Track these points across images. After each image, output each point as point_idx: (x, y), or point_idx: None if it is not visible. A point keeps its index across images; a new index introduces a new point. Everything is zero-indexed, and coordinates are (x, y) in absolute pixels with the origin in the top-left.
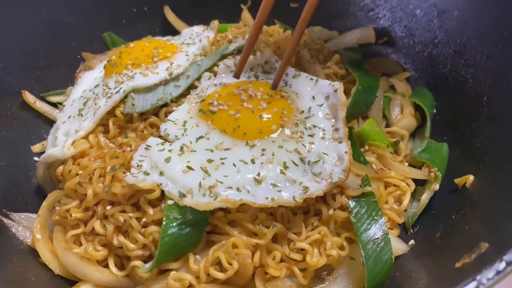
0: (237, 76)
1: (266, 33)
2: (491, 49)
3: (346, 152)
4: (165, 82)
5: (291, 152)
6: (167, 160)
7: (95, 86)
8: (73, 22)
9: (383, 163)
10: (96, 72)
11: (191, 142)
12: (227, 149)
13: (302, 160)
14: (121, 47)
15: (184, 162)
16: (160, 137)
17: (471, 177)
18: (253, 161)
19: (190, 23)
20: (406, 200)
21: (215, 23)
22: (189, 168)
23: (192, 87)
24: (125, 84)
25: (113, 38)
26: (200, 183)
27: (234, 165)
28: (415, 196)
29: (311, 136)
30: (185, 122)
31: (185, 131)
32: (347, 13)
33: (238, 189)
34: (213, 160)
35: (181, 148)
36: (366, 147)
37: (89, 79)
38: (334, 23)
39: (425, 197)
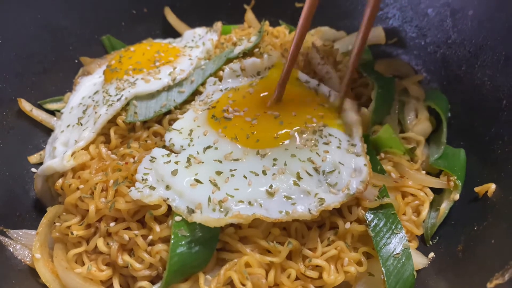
0: (279, 100)
1: (272, 34)
2: (510, 50)
3: (365, 164)
4: (168, 88)
5: (305, 161)
6: (174, 173)
7: (95, 93)
8: (70, 25)
9: (399, 171)
10: (95, 77)
11: (198, 153)
12: (236, 160)
13: (316, 170)
14: (121, 51)
15: (191, 174)
16: (164, 147)
17: (492, 186)
18: (264, 172)
19: (192, 24)
20: (425, 210)
21: (218, 24)
22: (197, 181)
23: (196, 92)
24: (127, 91)
25: (112, 41)
26: (209, 197)
27: (245, 177)
28: (433, 205)
29: (327, 144)
30: (191, 131)
31: (191, 140)
32: (355, 12)
33: (250, 203)
34: (222, 172)
35: (188, 160)
36: (382, 155)
37: (88, 85)
38: (341, 23)
39: (445, 207)
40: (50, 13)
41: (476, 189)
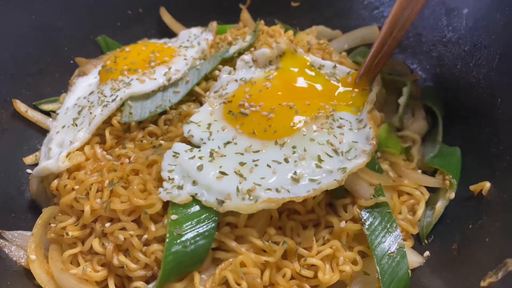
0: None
1: (267, 33)
2: (504, 48)
3: (370, 128)
4: (163, 88)
5: (323, 144)
6: (200, 168)
7: (90, 93)
8: (65, 25)
9: (396, 170)
10: (91, 78)
11: (219, 147)
12: (257, 151)
13: (335, 151)
14: (116, 51)
15: (216, 168)
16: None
17: (487, 184)
18: (286, 160)
19: (187, 24)
20: (421, 209)
21: (213, 24)
22: (223, 173)
23: (192, 93)
24: (122, 92)
25: (107, 42)
26: (237, 188)
27: (269, 166)
28: (428, 204)
29: (340, 127)
30: (209, 124)
31: (210, 134)
32: (350, 11)
33: (277, 190)
34: (245, 163)
35: (211, 154)
36: (379, 154)
37: (84, 85)
38: (336, 22)
39: (440, 205)
40: (45, 14)
41: (471, 187)
